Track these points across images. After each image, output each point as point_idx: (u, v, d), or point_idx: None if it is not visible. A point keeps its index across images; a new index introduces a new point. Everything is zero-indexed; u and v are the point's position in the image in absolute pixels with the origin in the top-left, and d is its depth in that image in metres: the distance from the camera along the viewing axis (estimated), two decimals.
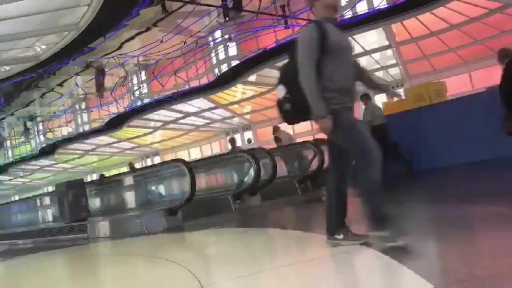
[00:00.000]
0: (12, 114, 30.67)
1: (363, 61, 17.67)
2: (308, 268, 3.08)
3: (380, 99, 19.02)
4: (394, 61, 17.83)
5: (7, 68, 17.46)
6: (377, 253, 2.98)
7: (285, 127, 21.01)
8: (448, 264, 2.60)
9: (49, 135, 30.71)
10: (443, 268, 2.57)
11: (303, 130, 22.82)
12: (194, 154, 28.34)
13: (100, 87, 20.97)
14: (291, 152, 10.99)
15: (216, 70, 22.89)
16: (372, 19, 14.88)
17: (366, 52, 16.82)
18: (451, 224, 3.67)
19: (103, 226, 8.11)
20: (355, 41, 15.68)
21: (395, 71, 18.55)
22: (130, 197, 9.89)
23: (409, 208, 4.94)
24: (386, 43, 16.54)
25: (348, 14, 16.87)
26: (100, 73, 20.05)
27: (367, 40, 16.21)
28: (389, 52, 17.32)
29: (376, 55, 17.44)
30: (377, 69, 18.39)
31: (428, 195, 6.09)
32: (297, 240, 4.42)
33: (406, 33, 16.16)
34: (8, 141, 35.00)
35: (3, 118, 31.59)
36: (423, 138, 9.03)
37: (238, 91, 20.86)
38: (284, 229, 5.37)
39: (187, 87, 22.53)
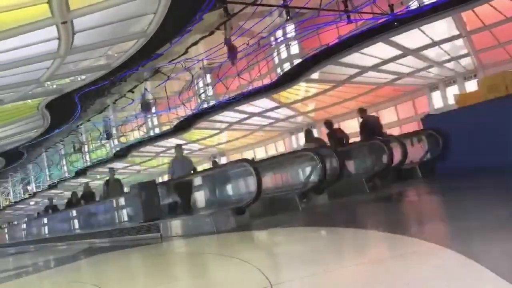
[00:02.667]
0: (88, 120, 32.62)
1: (432, 53, 16.93)
2: (378, 268, 3.00)
3: (452, 91, 18.17)
4: (465, 51, 16.92)
5: (83, 77, 18.52)
6: (451, 252, 2.85)
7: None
8: None
9: (123, 139, 32.28)
10: None
11: None
12: (259, 153, 28.58)
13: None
14: (358, 149, 10.77)
15: (279, 70, 22.92)
16: (441, 8, 14.20)
17: (434, 43, 16.09)
18: None
19: (175, 226, 8.40)
20: (423, 32, 15.06)
21: (467, 62, 17.59)
22: (199, 197, 10.16)
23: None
24: (456, 32, 15.71)
25: (414, 4, 16.24)
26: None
27: (436, 30, 15.48)
28: (459, 41, 16.44)
29: (446, 46, 16.61)
30: (447, 60, 17.55)
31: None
32: (366, 239, 4.33)
33: (478, 20, 15.27)
34: (86, 146, 37.23)
35: (81, 124, 33.67)
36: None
37: (301, 89, 20.76)
38: (352, 228, 5.27)
39: (250, 87, 22.76)
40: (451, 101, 15.91)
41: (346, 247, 4.24)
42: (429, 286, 2.46)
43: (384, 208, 6.65)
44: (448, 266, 2.75)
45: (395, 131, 19.13)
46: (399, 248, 3.38)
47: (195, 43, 19.72)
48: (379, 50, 16.06)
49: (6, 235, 26.58)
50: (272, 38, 22.76)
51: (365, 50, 15.94)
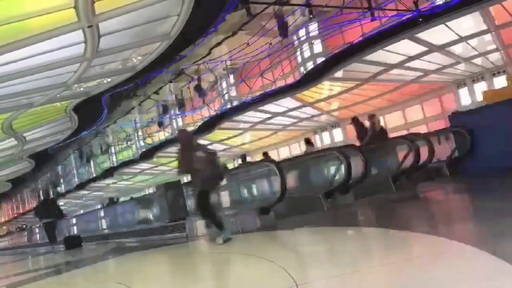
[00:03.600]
0: (114, 122, 33.19)
1: (459, 49, 16.58)
2: (407, 268, 2.95)
3: (480, 87, 17.75)
4: (494, 46, 16.49)
5: (109, 80, 18.84)
6: (481, 252, 2.78)
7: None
8: None
9: (148, 140, 32.72)
10: None
11: (396, 124, 22.01)
12: (283, 153, 28.52)
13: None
14: (384, 148, 10.64)
15: (302, 69, 22.83)
16: (467, 3, 13.89)
17: (461, 39, 15.75)
18: None
19: (201, 225, 8.45)
20: (449, 28, 14.77)
21: (495, 57, 17.14)
22: (224, 197, 10.21)
23: None
24: (484, 27, 15.33)
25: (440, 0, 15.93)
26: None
27: (463, 25, 15.14)
28: (487, 37, 16.03)
29: (473, 41, 16.22)
30: (475, 56, 17.15)
31: None
32: (392, 239, 4.27)
33: (507, 14, 14.86)
34: (112, 147, 37.87)
35: (107, 126, 34.27)
36: None
37: (324, 88, 20.61)
38: (378, 228, 5.21)
39: (273, 87, 22.74)
40: (479, 97, 15.55)
41: (372, 247, 4.19)
42: (459, 286, 2.41)
43: (411, 208, 6.54)
44: (478, 267, 2.68)
45: (422, 129, 18.80)
46: (428, 248, 3.32)
47: (218, 44, 19.84)
48: (404, 47, 15.81)
49: (38, 236, 27.27)
50: (295, 37, 22.68)
51: (389, 47, 15.71)
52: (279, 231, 6.83)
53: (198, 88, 22.27)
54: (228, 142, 28.77)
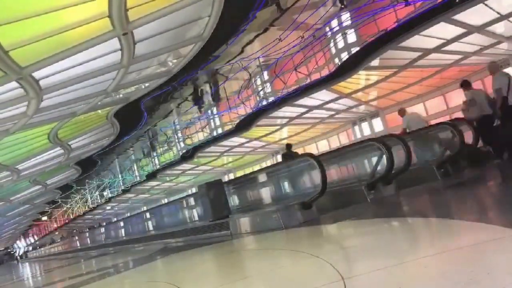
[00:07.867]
0: (154, 126, 33.92)
1: (500, 28, 15.91)
2: (456, 257, 2.88)
3: None
4: None
5: (147, 84, 19.28)
6: None
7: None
8: None
9: (188, 141, 33.24)
10: None
11: (438, 110, 21.41)
12: (322, 146, 28.32)
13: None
14: (426, 136, 10.38)
15: (336, 60, 22.55)
16: None
17: (502, 17, 15.10)
18: None
19: (244, 223, 8.53)
20: (487, 6, 14.20)
21: None
22: (265, 193, 10.25)
23: None
24: None
25: None
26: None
27: (503, 2, 14.52)
28: None
29: None
30: None
31: None
32: (440, 228, 4.17)
33: None
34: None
35: (148, 130, 35.07)
36: None
37: (361, 78, 20.28)
38: (424, 218, 5.09)
39: (308, 81, 22.58)
40: None
41: (420, 238, 4.10)
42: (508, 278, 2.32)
43: (457, 196, 6.36)
44: None
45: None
46: (477, 236, 3.22)
47: (251, 42, 19.92)
48: (441, 30, 15.34)
49: (88, 239, 28.30)
50: (327, 29, 22.44)
51: (426, 32, 15.27)
52: (322, 226, 6.79)
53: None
54: (267, 139, 28.83)
